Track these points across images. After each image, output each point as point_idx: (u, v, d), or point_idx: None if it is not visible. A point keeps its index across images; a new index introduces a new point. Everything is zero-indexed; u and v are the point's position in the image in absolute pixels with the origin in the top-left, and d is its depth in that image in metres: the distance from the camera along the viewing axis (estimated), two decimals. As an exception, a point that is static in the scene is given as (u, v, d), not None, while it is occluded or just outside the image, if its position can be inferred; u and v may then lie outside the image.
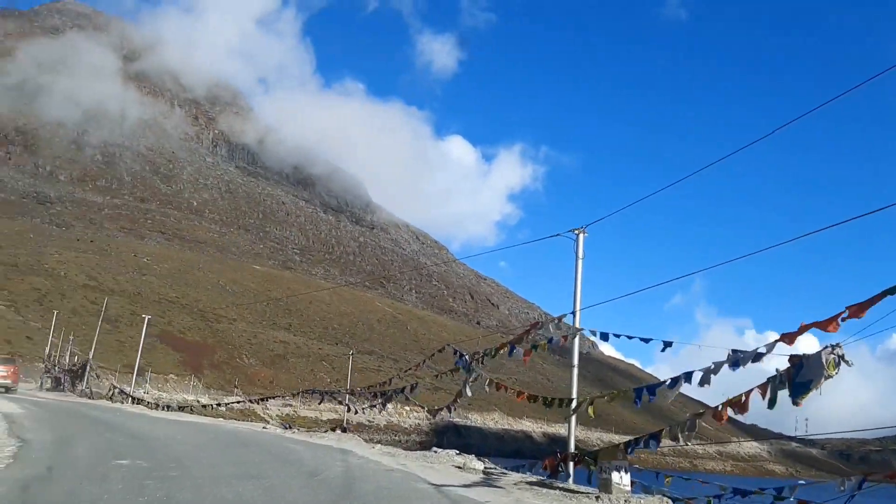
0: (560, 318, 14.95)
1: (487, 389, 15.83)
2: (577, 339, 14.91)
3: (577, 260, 15.38)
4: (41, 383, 54.77)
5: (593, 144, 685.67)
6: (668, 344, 12.79)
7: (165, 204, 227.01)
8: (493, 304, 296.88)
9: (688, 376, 11.10)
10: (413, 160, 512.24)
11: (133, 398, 37.47)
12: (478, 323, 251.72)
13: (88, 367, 47.61)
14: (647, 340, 13.42)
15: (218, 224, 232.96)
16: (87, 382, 46.20)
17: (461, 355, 16.90)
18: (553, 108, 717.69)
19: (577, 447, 14.60)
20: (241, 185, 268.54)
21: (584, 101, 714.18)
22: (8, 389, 35.09)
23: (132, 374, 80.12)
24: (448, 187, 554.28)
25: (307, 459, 15.07)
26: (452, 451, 16.95)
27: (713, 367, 10.49)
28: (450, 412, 16.52)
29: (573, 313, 15.06)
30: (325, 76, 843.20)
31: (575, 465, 13.67)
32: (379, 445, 19.87)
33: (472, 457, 16.38)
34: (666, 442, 11.80)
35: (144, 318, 40.69)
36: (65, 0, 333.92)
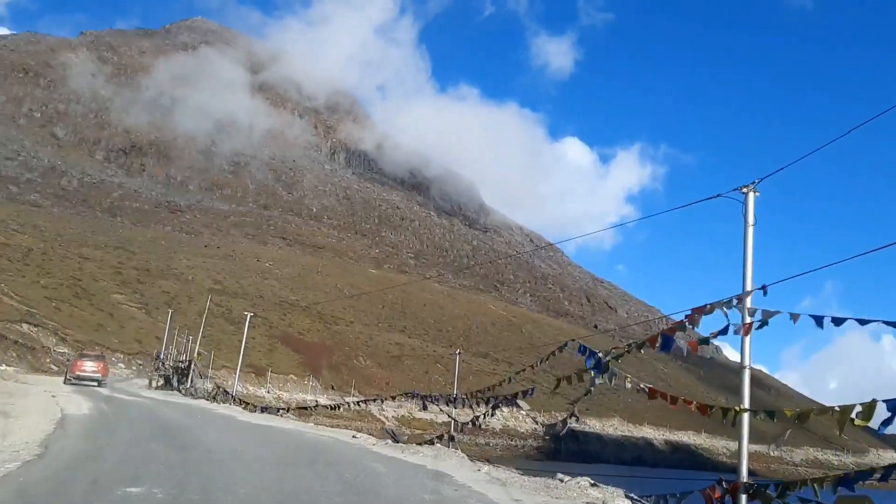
0: (743, 296, 10.88)
1: (629, 387, 12.84)
2: (750, 328, 10.98)
3: (745, 226, 11.90)
4: (150, 381, 54.99)
5: (715, 142, 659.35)
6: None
7: (287, 211, 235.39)
8: (610, 307, 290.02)
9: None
10: (527, 162, 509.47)
11: (236, 399, 36.96)
12: (595, 326, 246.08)
13: (192, 366, 47.32)
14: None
15: (336, 229, 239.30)
16: (191, 381, 45.71)
17: (590, 353, 13.73)
18: (673, 105, 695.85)
19: (749, 475, 11.36)
20: (357, 191, 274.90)
21: (705, 98, 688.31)
22: (100, 383, 38.80)
23: (253, 373, 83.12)
24: (563, 189, 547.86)
25: (386, 488, 12.25)
26: (584, 481, 13.78)
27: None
28: (566, 425, 13.52)
29: (743, 295, 11.14)
30: (440, 81, 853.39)
31: (750, 497, 10.51)
32: (487, 467, 15.08)
33: (613, 491, 13.01)
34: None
35: (247, 314, 40.19)
36: (194, 17, 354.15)
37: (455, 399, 22.37)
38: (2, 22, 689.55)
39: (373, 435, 25.34)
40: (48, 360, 46.69)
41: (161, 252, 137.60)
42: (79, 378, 37.83)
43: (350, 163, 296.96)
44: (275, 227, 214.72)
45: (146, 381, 56.21)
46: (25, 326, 51.40)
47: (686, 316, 11.39)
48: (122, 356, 71.29)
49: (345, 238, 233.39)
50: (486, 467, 15.06)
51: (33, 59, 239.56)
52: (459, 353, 29.33)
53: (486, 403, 19.42)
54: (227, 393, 40.85)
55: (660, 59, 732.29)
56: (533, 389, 15.68)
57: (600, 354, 13.30)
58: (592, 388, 13.52)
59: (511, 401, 16.47)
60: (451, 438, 23.79)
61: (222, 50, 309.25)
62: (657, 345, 12.27)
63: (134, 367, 66.59)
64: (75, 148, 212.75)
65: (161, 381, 53.28)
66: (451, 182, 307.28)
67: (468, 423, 21.50)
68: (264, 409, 31.88)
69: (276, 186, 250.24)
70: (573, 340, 14.87)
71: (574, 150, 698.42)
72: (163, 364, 59.01)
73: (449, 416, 27.74)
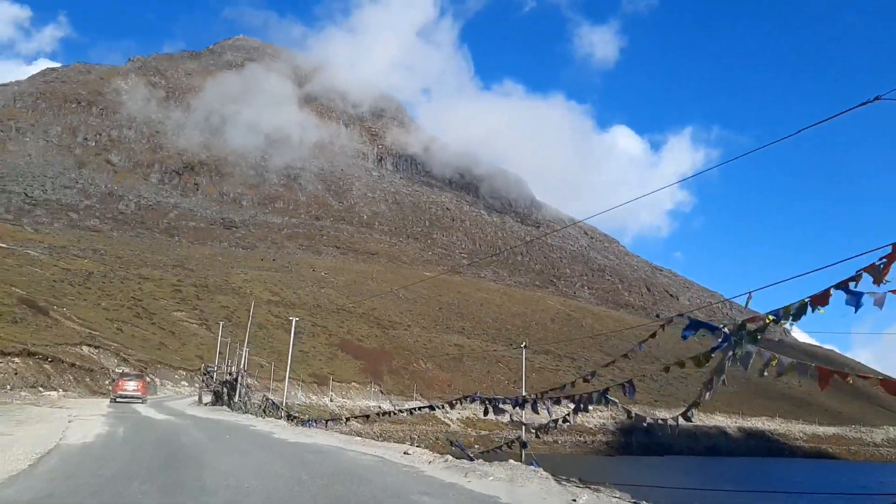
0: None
1: (784, 371, 8.19)
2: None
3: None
4: (199, 397, 51.85)
5: (768, 120, 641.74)
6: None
7: (338, 220, 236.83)
8: (671, 294, 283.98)
9: None
10: (577, 154, 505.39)
11: (288, 415, 34.06)
12: (657, 316, 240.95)
13: (240, 379, 44.06)
14: None
15: (388, 235, 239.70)
16: (239, 395, 42.57)
17: (715, 329, 9.45)
18: (724, 85, 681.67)
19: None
20: (406, 195, 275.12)
21: (757, 75, 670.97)
22: (142, 400, 40.72)
23: (315, 383, 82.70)
24: (616, 179, 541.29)
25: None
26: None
27: None
28: (688, 419, 10.00)
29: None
30: (483, 79, 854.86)
31: None
32: (586, 495, 10.42)
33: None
34: None
35: (293, 319, 38.32)
36: (237, 36, 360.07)
37: (524, 401, 18.00)
38: (54, 57, 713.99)
39: (432, 450, 19.06)
40: (107, 382, 46.52)
41: (218, 268, 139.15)
42: (122, 397, 39.28)
43: (398, 167, 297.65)
44: (327, 237, 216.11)
45: (193, 399, 54.61)
46: (86, 349, 51.63)
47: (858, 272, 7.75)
48: (183, 373, 71.46)
49: (397, 243, 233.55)
50: (584, 496, 10.50)
51: (85, 89, 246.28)
52: (523, 347, 26.35)
53: (557, 403, 15.28)
54: (276, 406, 38.81)
55: (707, 40, 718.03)
56: (631, 382, 11.69)
57: (725, 329, 9.22)
58: (722, 376, 9.36)
59: (602, 396, 12.78)
60: (524, 444, 20.34)
61: (267, 65, 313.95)
62: (825, 303, 7.82)
63: (196, 384, 66.54)
64: (130, 172, 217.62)
65: (211, 397, 51.00)
66: (500, 179, 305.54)
67: (549, 425, 16.50)
68: (309, 423, 29.51)
69: (326, 196, 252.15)
70: (680, 315, 10.94)
71: (624, 139, 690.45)
72: (211, 379, 56.16)
73: (519, 421, 23.74)
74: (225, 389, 47.84)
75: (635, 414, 12.56)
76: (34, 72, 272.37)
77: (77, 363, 43.95)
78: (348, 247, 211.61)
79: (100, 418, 23.30)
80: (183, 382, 69.45)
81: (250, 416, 34.94)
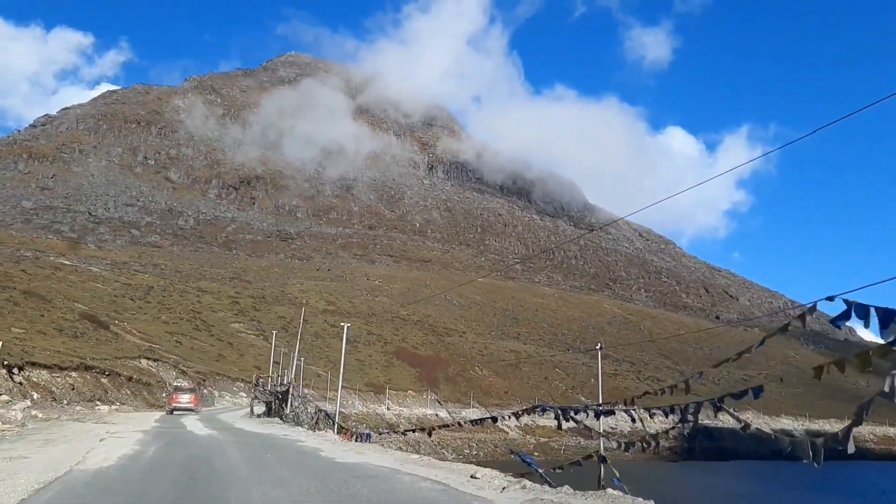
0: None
1: None
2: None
3: None
4: (251, 409, 49.94)
5: (827, 114, 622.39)
6: None
7: (391, 228, 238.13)
8: (731, 295, 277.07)
9: None
10: (631, 157, 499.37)
11: (340, 427, 32.32)
12: (717, 317, 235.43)
13: (291, 390, 41.83)
14: None
15: (440, 242, 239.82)
16: (290, 407, 40.46)
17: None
18: (781, 82, 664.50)
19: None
20: (458, 202, 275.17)
21: (814, 70, 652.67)
22: (195, 412, 42.12)
23: (372, 391, 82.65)
24: (670, 181, 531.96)
25: None
26: None
27: None
28: (859, 422, 7.80)
29: None
30: (534, 84, 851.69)
31: None
32: None
33: None
34: None
35: (345, 325, 36.94)
36: (289, 53, 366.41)
37: (605, 411, 15.85)
38: (116, 80, 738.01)
39: (492, 460, 16.67)
40: (163, 395, 47.00)
41: (275, 279, 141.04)
42: (177, 409, 41.39)
43: (449, 175, 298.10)
44: (381, 246, 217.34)
45: (244, 411, 52.33)
46: (144, 362, 52.44)
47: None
48: (242, 384, 72.19)
49: (449, 250, 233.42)
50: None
51: (144, 109, 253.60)
52: (598, 349, 24.90)
53: (671, 415, 12.98)
54: (328, 416, 37.28)
55: (763, 35, 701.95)
56: (761, 387, 9.40)
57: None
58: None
59: (716, 405, 10.87)
60: (602, 459, 17.84)
61: (321, 80, 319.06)
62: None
63: (257, 395, 67.17)
64: (189, 189, 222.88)
65: (263, 409, 49.23)
66: (552, 183, 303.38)
67: (647, 439, 13.32)
68: (366, 436, 26.77)
69: (379, 206, 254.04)
70: (833, 298, 7.67)
71: (678, 141, 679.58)
72: (263, 389, 53.41)
73: (597, 432, 21.82)
74: (276, 401, 46.19)
75: (756, 428, 10.57)
76: (96, 95, 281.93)
77: (134, 377, 44.43)
78: (401, 255, 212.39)
79: (137, 434, 22.16)
80: (241, 394, 70.14)
81: (301, 428, 33.45)
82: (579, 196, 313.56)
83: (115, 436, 21.08)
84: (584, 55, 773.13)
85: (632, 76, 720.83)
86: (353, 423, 58.76)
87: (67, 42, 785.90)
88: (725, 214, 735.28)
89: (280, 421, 39.26)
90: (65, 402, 30.85)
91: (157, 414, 38.38)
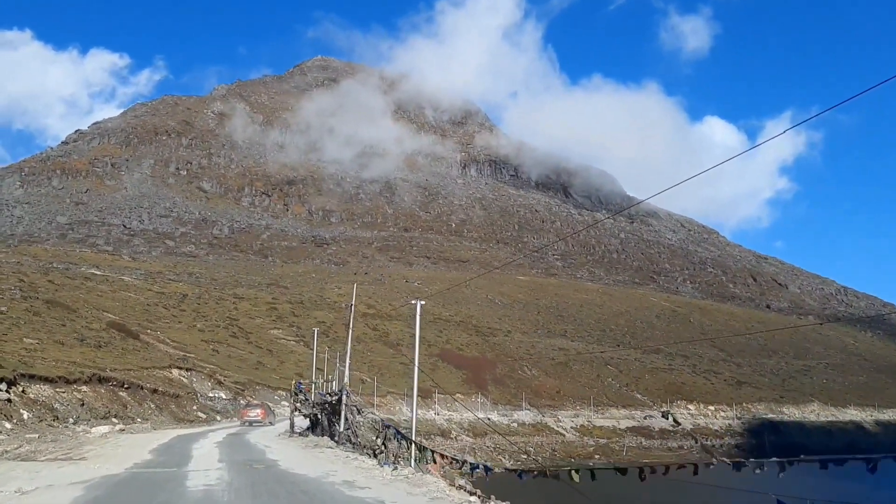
0: None
1: None
2: None
3: None
4: (291, 425, 40.01)
5: (873, 97, 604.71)
6: None
7: (427, 230, 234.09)
8: (780, 283, 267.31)
9: None
10: (670, 147, 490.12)
11: (425, 452, 22.24)
12: (767, 307, 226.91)
13: (345, 401, 31.37)
14: None
15: (477, 241, 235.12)
16: (344, 423, 31.03)
17: None
18: (825, 65, 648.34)
19: None
20: (493, 200, 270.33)
21: (859, 52, 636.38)
22: (263, 424, 42.90)
23: (420, 396, 78.20)
24: (712, 171, 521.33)
25: None
26: None
27: None
28: None
29: None
30: (570, 76, 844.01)
31: None
32: None
33: None
34: None
35: (417, 302, 27.29)
36: (315, 57, 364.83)
37: None
38: (149, 97, 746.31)
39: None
40: (195, 408, 42.59)
41: (312, 284, 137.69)
42: (248, 422, 43.77)
43: (482, 173, 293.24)
44: (417, 248, 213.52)
45: (297, 425, 42.35)
46: (175, 372, 48.37)
47: None
48: (283, 393, 68.28)
49: (487, 248, 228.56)
50: None
51: (173, 120, 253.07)
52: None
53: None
54: (400, 436, 25.52)
55: (805, 19, 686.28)
56: None
57: None
58: None
59: None
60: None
61: (349, 83, 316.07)
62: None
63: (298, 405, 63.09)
64: (222, 198, 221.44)
65: (306, 425, 40.07)
66: (591, 176, 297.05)
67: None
68: (468, 470, 17.44)
69: (413, 207, 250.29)
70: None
71: (719, 130, 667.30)
72: (306, 400, 43.54)
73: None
74: (323, 414, 36.74)
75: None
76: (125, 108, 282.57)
77: (160, 388, 39.88)
78: (439, 256, 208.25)
79: (74, 489, 14.82)
80: (283, 402, 66.18)
81: (366, 458, 24.64)
82: (618, 188, 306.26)
83: (46, 489, 14.47)
84: (621, 46, 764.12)
85: (669, 66, 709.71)
86: (405, 430, 53.31)
87: (103, 63, 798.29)
88: (768, 203, 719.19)
89: (331, 442, 30.78)
90: (70, 420, 26.34)
91: (173, 434, 31.09)
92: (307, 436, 36.29)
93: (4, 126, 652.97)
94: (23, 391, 24.04)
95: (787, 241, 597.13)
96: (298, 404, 42.87)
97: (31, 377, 26.35)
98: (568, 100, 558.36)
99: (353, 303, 35.43)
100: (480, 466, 17.13)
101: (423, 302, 24.73)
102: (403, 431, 26.27)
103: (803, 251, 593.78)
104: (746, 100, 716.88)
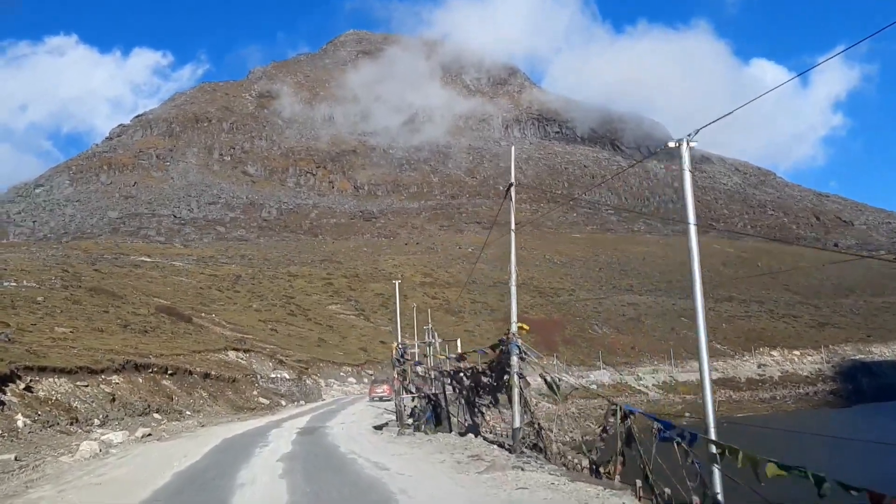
0: None
1: None
2: None
3: None
4: (398, 414, 27.71)
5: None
6: None
7: (474, 195, 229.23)
8: (844, 221, 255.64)
9: None
10: (720, 90, 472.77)
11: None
12: (835, 245, 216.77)
13: (515, 368, 16.09)
14: None
15: (527, 202, 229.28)
16: (520, 411, 16.39)
17: None
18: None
19: None
20: (540, 158, 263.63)
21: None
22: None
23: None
24: (764, 113, 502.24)
25: None
26: None
27: None
28: None
29: None
30: (615, 25, 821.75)
31: None
32: None
33: None
34: None
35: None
36: (346, 32, 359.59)
37: None
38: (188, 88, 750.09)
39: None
40: (255, 393, 38.72)
41: (366, 258, 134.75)
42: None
43: (525, 133, 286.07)
44: (467, 214, 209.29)
45: (383, 412, 33.68)
46: (232, 354, 44.93)
47: None
48: (349, 369, 65.16)
49: (539, 209, 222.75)
50: None
51: (213, 107, 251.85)
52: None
53: None
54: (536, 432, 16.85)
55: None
56: None
57: None
58: None
59: None
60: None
61: (392, 51, 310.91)
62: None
63: (366, 380, 59.62)
64: (267, 180, 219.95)
65: (411, 421, 25.55)
66: (641, 126, 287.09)
67: None
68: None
69: (458, 174, 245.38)
70: None
71: (770, 70, 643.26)
72: (417, 374, 30.31)
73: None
74: (431, 405, 25.22)
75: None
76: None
77: (213, 372, 35.40)
78: (489, 220, 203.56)
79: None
80: (350, 379, 63.01)
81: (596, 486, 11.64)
82: (668, 137, 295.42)
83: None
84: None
85: (715, 6, 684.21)
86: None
87: (146, 61, 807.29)
88: (823, 141, 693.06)
89: (490, 447, 17.70)
90: (96, 421, 20.23)
91: (220, 436, 21.80)
92: (426, 432, 23.36)
93: (54, 129, 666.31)
94: (27, 388, 19.25)
95: (843, 180, 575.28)
96: (411, 381, 28.90)
97: (42, 370, 21.30)
98: (613, 50, 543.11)
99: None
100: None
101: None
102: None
103: (862, 187, 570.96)
104: (795, 38, 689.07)
